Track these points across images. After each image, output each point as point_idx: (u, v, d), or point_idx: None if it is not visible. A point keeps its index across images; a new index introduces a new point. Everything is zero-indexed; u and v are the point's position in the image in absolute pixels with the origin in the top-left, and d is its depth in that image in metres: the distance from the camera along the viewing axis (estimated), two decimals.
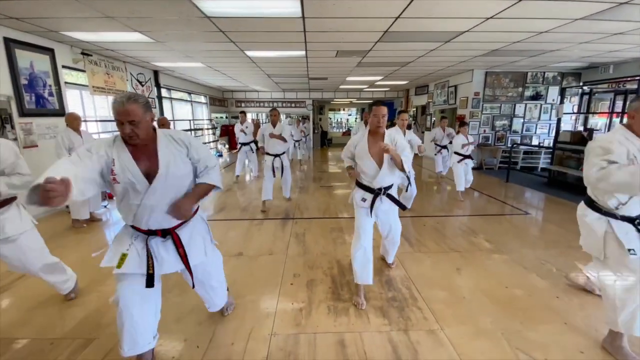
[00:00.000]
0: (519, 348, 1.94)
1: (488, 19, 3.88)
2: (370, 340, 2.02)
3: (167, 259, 1.68)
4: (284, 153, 4.89)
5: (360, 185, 2.47)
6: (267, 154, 4.81)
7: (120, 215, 1.72)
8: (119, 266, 1.60)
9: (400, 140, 2.43)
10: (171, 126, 6.79)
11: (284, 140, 4.71)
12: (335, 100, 14.92)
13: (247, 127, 7.06)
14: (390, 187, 2.47)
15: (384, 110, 2.32)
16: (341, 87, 11.46)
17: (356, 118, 18.75)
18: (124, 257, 1.61)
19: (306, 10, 3.55)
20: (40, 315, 2.29)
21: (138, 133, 1.48)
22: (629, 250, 1.83)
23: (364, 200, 2.44)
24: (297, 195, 5.88)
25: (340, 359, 1.86)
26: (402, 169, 2.29)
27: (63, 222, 4.23)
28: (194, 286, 1.87)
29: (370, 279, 2.40)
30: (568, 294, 2.55)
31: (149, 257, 1.63)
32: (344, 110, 18.95)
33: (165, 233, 1.67)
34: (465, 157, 5.50)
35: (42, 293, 2.56)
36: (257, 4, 3.43)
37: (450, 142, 6.18)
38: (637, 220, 1.85)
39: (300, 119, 12.61)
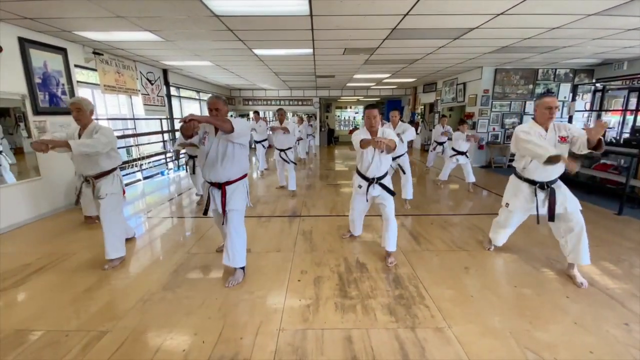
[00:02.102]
0: (528, 347, 1.93)
1: (498, 15, 3.83)
2: (377, 337, 2.03)
3: (217, 202, 2.58)
4: (289, 148, 5.63)
5: (359, 174, 3.07)
6: (277, 148, 5.67)
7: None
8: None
9: (388, 131, 2.97)
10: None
11: (287, 130, 5.56)
12: (342, 98, 14.89)
13: (260, 126, 7.62)
14: (382, 177, 2.97)
15: (375, 112, 2.96)
16: (348, 85, 11.42)
17: (363, 116, 18.65)
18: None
19: (314, 8, 3.56)
20: (54, 308, 2.35)
21: (220, 116, 2.43)
22: (506, 204, 2.92)
23: (360, 187, 3.05)
24: (304, 192, 5.90)
25: (348, 354, 1.88)
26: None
27: (76, 219, 4.32)
28: (224, 222, 2.65)
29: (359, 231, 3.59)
30: (578, 293, 2.52)
31: (208, 199, 2.62)
32: (350, 108, 18.89)
33: (219, 186, 2.54)
34: (459, 153, 5.87)
35: (57, 287, 2.64)
36: (266, 2, 3.45)
37: (449, 139, 6.40)
38: (538, 184, 2.66)
39: (305, 116, 12.55)
